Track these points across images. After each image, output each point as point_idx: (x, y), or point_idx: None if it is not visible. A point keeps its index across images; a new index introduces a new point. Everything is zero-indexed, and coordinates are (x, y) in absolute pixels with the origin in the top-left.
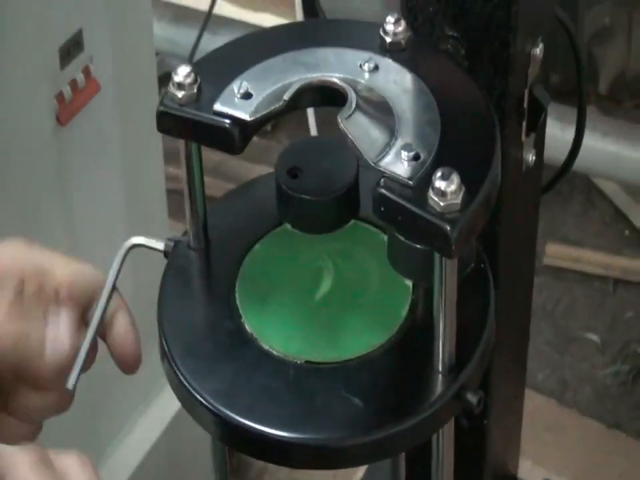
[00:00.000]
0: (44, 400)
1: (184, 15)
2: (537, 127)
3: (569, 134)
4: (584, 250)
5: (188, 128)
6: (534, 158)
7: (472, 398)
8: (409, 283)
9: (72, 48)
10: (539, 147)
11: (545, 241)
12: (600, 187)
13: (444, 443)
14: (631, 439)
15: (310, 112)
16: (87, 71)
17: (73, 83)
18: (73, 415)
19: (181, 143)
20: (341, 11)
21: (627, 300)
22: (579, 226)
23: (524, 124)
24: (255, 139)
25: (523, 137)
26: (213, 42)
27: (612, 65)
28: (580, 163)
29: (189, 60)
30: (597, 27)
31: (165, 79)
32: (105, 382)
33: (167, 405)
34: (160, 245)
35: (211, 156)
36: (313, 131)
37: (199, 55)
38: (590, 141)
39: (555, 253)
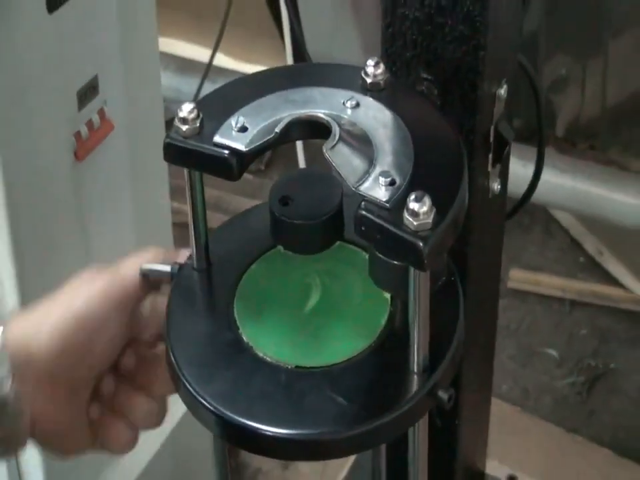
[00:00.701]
0: (149, 404)
1: (187, 66)
2: (502, 159)
3: (530, 170)
4: (543, 275)
5: (191, 158)
6: (499, 187)
7: (443, 395)
8: (388, 295)
9: (89, 92)
10: (503, 177)
11: (508, 266)
12: (557, 218)
13: (419, 437)
14: (586, 442)
15: (299, 150)
16: (102, 113)
17: (90, 123)
18: None
19: (185, 173)
20: (326, 57)
21: (582, 319)
22: (539, 253)
23: (490, 156)
24: (250, 176)
25: (489, 168)
26: (212, 90)
27: (568, 111)
28: (540, 196)
29: None
30: (554, 76)
31: (170, 123)
32: None
33: (172, 412)
34: (167, 268)
35: (211, 192)
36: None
37: None
38: (549, 176)
39: (517, 277)
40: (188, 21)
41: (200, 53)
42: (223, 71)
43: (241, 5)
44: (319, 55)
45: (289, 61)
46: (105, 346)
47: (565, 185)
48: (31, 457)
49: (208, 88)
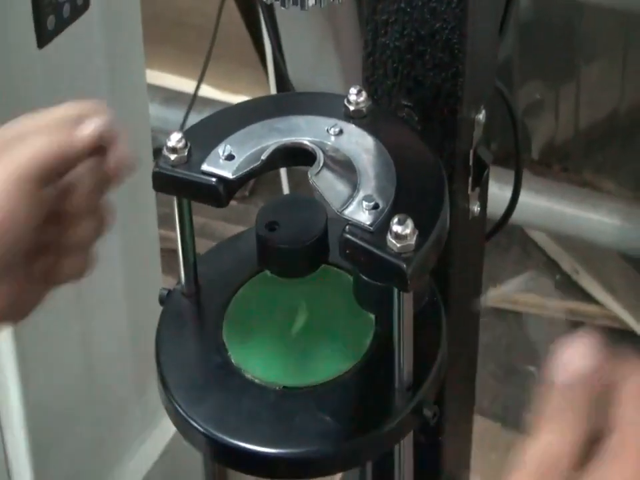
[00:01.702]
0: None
1: (173, 97)
2: (481, 182)
3: (506, 192)
4: (521, 293)
5: (180, 186)
6: (478, 209)
7: (428, 412)
8: (372, 316)
9: None
10: (483, 199)
11: (487, 286)
12: (534, 238)
13: (404, 454)
14: None
15: (283, 177)
16: None
17: None
18: (82, 439)
19: (175, 201)
20: (309, 87)
21: (559, 336)
22: (516, 272)
23: (470, 179)
24: (235, 203)
25: (469, 191)
26: (198, 120)
27: (542, 134)
28: (517, 216)
29: None
30: (529, 101)
31: (158, 153)
32: (110, 412)
33: (165, 432)
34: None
35: (197, 219)
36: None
37: None
38: (525, 198)
39: (496, 296)
40: (173, 53)
41: (185, 85)
42: (208, 101)
43: (224, 38)
44: (302, 85)
45: (272, 90)
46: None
47: (541, 205)
48: (24, 478)
49: (194, 118)
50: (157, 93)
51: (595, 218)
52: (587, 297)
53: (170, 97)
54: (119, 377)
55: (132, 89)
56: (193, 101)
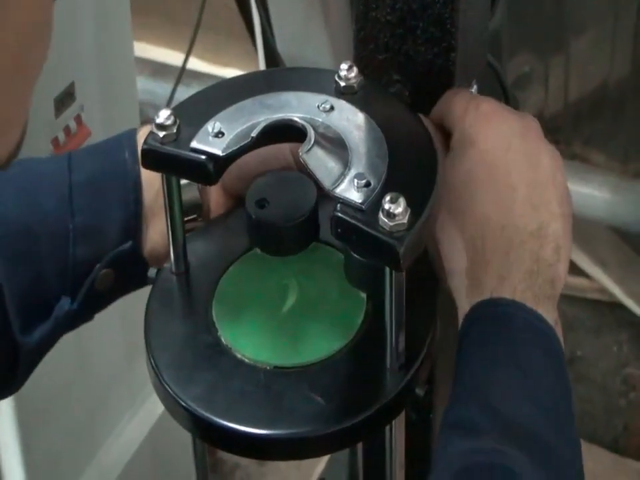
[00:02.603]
0: None
1: (160, 70)
2: None
3: None
4: None
5: (169, 163)
6: None
7: (420, 391)
8: (363, 295)
9: (65, 99)
10: None
11: None
12: None
13: (396, 432)
14: None
15: None
16: (78, 119)
17: (67, 129)
18: (71, 417)
19: (161, 178)
20: (298, 60)
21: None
22: None
23: None
24: None
25: None
26: (186, 93)
27: (532, 107)
28: None
29: None
30: (518, 73)
31: (143, 125)
32: (98, 389)
33: (153, 409)
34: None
35: None
36: None
37: (174, 104)
38: None
39: None
40: (161, 25)
41: (173, 57)
42: (196, 74)
43: (212, 10)
44: (290, 57)
45: (261, 63)
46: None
47: None
48: (12, 456)
49: (182, 91)
50: (144, 65)
51: (584, 191)
52: (577, 270)
53: (157, 69)
54: (107, 353)
55: (120, 62)
56: (181, 73)
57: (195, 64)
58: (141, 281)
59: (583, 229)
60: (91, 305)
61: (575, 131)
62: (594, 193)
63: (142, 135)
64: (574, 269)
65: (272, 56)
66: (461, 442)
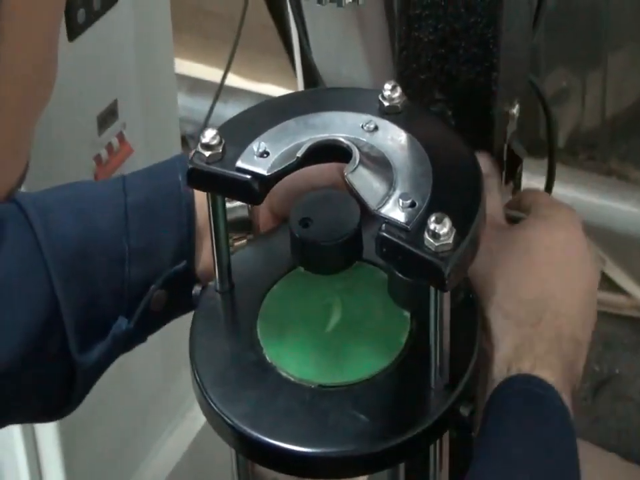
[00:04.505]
0: None
1: (198, 86)
2: (515, 177)
3: (533, 181)
4: None
5: (214, 183)
6: None
7: (464, 411)
8: (407, 314)
9: (108, 116)
10: (516, 193)
11: None
12: None
13: (440, 452)
14: (592, 447)
15: None
16: (120, 136)
17: (109, 147)
18: (111, 432)
19: (207, 197)
20: (334, 76)
21: None
22: None
23: (503, 173)
24: None
25: (503, 185)
26: (223, 109)
27: (568, 122)
28: None
29: (204, 125)
30: (555, 88)
31: (183, 141)
32: (139, 402)
33: (192, 424)
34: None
35: None
36: None
37: (212, 120)
38: (553, 188)
39: None
40: (198, 42)
41: (208, 73)
42: (232, 90)
43: (249, 25)
44: (327, 73)
45: (299, 78)
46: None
47: (568, 196)
48: (54, 471)
49: (219, 107)
50: (183, 81)
51: (622, 208)
52: (615, 287)
53: (195, 85)
54: (147, 369)
55: (160, 79)
56: (220, 90)
57: (231, 79)
58: (192, 302)
59: (621, 246)
60: (146, 325)
61: (612, 147)
62: (632, 210)
63: None
64: (611, 286)
65: (309, 71)
66: None
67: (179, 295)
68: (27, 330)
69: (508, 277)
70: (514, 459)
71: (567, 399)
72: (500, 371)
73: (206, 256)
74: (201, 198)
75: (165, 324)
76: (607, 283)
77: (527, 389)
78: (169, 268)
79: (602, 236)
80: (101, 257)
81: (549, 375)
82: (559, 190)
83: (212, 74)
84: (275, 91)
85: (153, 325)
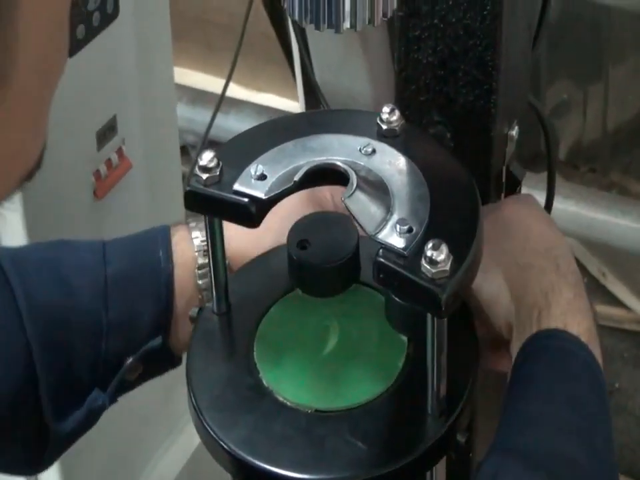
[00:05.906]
0: None
1: (198, 97)
2: None
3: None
4: None
5: (211, 205)
6: None
7: (461, 438)
8: (404, 338)
9: (107, 132)
10: None
11: None
12: None
13: (436, 477)
14: None
15: None
16: (120, 152)
17: (108, 162)
18: (108, 448)
19: (205, 220)
20: (335, 88)
21: None
22: None
23: (502, 195)
24: None
25: None
26: (225, 120)
27: (569, 135)
28: None
29: (205, 135)
30: (556, 101)
31: (182, 150)
32: (135, 419)
33: (189, 441)
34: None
35: None
36: None
37: (213, 131)
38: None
39: None
40: (200, 51)
41: (209, 82)
42: (233, 101)
43: (250, 36)
44: (328, 85)
45: (299, 91)
46: None
47: (568, 210)
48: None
49: (220, 118)
50: (183, 92)
51: (622, 223)
52: (615, 301)
53: (195, 96)
54: (144, 385)
55: (160, 94)
56: (220, 101)
57: (232, 89)
58: (167, 370)
59: (621, 260)
60: (120, 392)
61: (613, 160)
62: (632, 225)
63: (176, 235)
64: (612, 300)
65: (310, 84)
66: (515, 467)
67: (154, 366)
68: (1, 392)
69: (502, 243)
70: (542, 420)
71: (595, 347)
72: (529, 317)
73: (183, 335)
74: (181, 283)
75: (137, 387)
76: (607, 297)
77: (555, 345)
78: (145, 341)
79: (602, 250)
80: (79, 327)
81: (580, 319)
82: (559, 204)
83: (214, 83)
84: (276, 101)
85: (127, 389)
